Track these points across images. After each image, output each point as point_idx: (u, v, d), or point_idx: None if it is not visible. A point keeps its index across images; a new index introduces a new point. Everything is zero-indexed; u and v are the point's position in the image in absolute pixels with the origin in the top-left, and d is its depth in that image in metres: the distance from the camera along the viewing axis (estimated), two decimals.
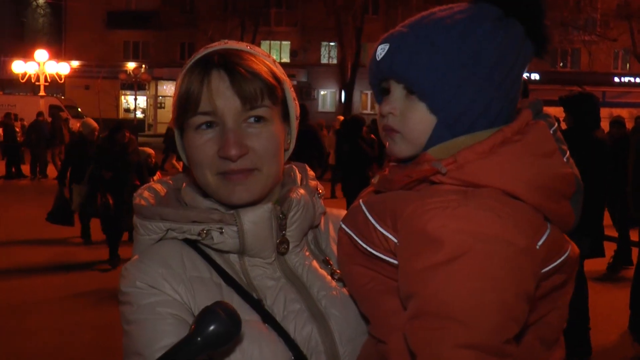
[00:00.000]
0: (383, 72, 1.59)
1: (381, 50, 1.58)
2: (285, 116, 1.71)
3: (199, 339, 1.32)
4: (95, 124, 13.62)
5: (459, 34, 1.51)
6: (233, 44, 1.67)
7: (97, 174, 11.82)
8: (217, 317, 1.34)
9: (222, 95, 1.57)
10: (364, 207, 1.57)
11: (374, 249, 1.52)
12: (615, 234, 11.41)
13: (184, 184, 1.76)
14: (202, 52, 1.66)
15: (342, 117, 21.39)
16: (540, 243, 1.43)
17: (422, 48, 1.52)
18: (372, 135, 13.10)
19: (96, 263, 11.38)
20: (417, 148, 1.56)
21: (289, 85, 1.71)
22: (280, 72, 1.69)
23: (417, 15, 1.61)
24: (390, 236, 1.49)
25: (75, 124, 29.82)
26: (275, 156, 1.64)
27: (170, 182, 1.83)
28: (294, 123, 1.74)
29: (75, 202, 12.68)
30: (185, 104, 1.60)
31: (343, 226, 1.62)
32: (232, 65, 1.58)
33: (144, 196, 1.72)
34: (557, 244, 1.51)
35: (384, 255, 1.51)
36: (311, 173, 1.83)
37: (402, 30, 1.59)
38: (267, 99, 1.61)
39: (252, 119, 1.60)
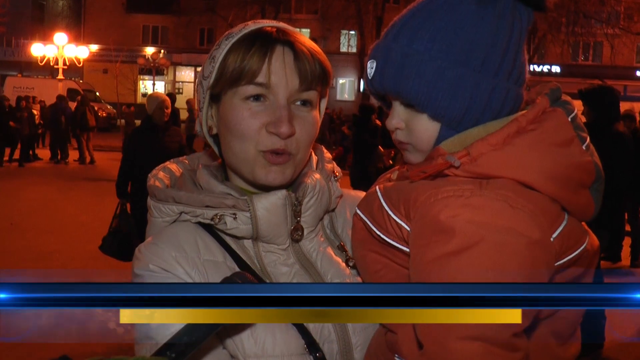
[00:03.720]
0: (377, 90, 1.59)
1: (370, 69, 1.58)
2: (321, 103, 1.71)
3: None
4: (163, 96, 9.01)
5: (443, 30, 1.49)
6: (282, 23, 1.66)
7: None
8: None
9: (282, 71, 1.56)
10: (380, 194, 1.56)
11: (387, 237, 1.52)
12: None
13: (200, 166, 1.74)
14: (251, 26, 1.62)
15: None
16: (555, 235, 1.41)
17: (406, 60, 1.50)
18: (378, 122, 12.92)
19: None
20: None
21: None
22: None
23: (399, 14, 1.58)
24: (403, 224, 1.48)
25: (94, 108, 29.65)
26: (310, 144, 1.65)
27: (186, 161, 1.81)
28: (323, 110, 1.73)
29: None
30: (239, 73, 1.55)
31: (358, 212, 1.61)
32: (296, 43, 1.58)
33: (158, 177, 1.71)
34: (573, 236, 1.48)
35: (397, 243, 1.51)
36: (327, 155, 1.81)
37: (385, 43, 1.57)
38: (319, 83, 1.61)
39: (299, 102, 1.60)
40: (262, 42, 1.56)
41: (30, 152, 24.11)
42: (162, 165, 1.77)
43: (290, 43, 1.57)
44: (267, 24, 1.63)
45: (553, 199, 1.44)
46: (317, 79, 1.59)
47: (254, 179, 1.62)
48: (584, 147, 1.51)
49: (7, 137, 22.02)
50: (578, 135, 1.51)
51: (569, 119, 1.52)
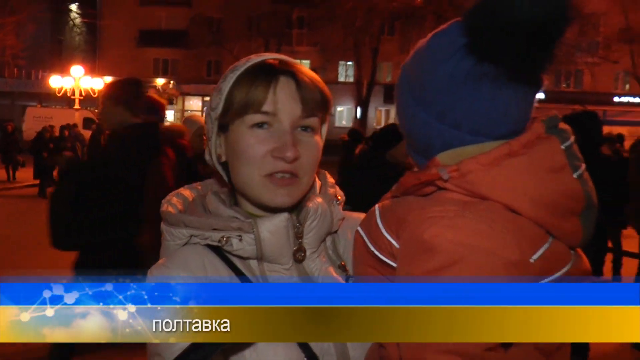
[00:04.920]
0: None
1: None
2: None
3: None
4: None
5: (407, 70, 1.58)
6: (283, 56, 1.66)
7: None
8: None
9: (286, 99, 1.56)
10: (377, 212, 1.55)
11: (380, 253, 1.50)
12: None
13: (209, 192, 1.74)
14: (255, 59, 1.62)
15: None
16: (535, 257, 1.38)
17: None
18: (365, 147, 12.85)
19: None
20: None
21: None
22: None
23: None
24: (393, 242, 1.47)
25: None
26: (315, 167, 1.64)
27: (199, 187, 1.80)
28: (324, 136, 1.72)
29: None
30: (246, 103, 1.56)
31: (359, 229, 1.60)
32: (297, 74, 1.59)
33: (172, 202, 1.71)
34: (557, 257, 1.43)
35: (388, 259, 1.49)
36: (330, 180, 1.79)
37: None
38: (319, 110, 1.62)
39: (302, 128, 1.59)
40: (266, 73, 1.57)
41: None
42: (175, 191, 1.77)
43: (292, 73, 1.58)
44: (270, 56, 1.63)
45: (536, 223, 1.41)
46: (318, 105, 1.60)
47: (261, 202, 1.62)
48: (575, 175, 1.46)
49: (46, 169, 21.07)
50: (571, 164, 1.46)
51: (563, 147, 1.47)
